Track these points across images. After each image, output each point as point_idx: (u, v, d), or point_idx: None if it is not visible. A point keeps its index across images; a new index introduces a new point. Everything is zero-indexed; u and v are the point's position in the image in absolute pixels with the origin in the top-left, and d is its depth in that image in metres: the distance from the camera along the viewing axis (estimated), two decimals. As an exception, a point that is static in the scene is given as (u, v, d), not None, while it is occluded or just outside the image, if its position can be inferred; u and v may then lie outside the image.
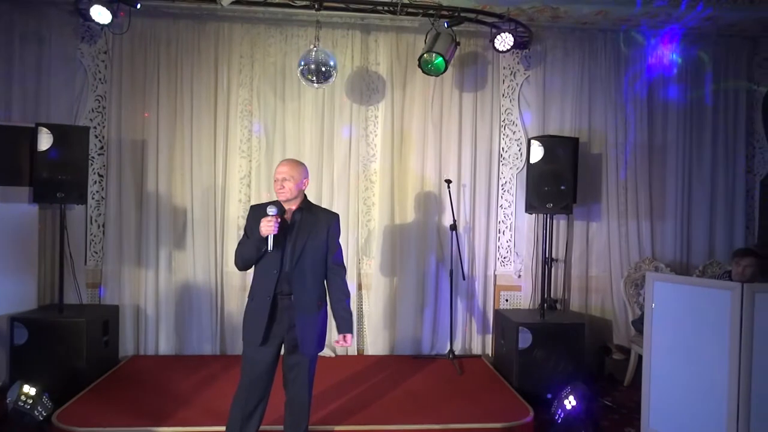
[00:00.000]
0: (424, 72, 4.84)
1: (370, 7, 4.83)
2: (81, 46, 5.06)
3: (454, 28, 4.83)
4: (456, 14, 4.82)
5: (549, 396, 4.15)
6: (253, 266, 3.13)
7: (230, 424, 3.10)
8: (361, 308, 5.35)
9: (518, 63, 5.45)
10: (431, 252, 5.32)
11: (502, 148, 5.46)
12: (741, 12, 4.84)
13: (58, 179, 4.44)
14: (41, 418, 3.49)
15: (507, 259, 5.51)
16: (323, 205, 4.33)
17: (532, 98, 5.45)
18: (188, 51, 5.10)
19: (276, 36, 5.19)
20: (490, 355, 5.37)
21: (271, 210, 2.95)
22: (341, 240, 3.75)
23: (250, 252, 3.05)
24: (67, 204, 4.65)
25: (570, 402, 3.74)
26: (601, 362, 5.37)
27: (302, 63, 4.67)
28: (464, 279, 5.18)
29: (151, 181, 5.06)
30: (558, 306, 5.32)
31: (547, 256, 5.04)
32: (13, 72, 4.87)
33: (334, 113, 5.23)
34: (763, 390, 3.51)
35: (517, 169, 5.46)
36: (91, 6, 4.36)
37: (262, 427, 3.23)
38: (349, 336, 3.20)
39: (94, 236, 5.14)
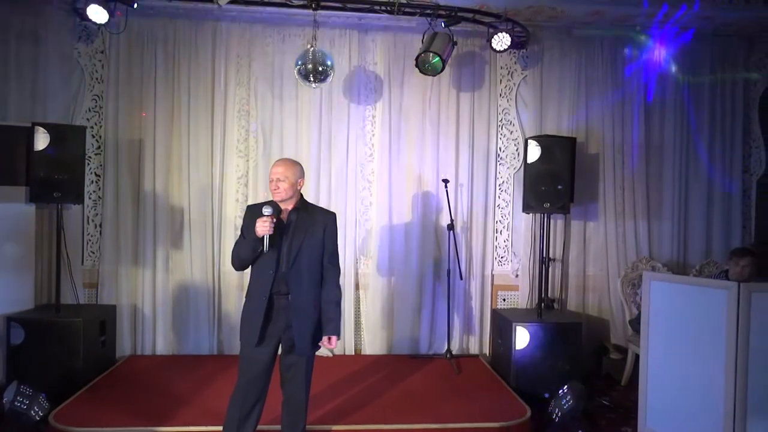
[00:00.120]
0: (421, 72, 4.84)
1: (368, 6, 4.83)
2: (78, 46, 5.05)
3: (452, 27, 4.85)
4: (453, 14, 4.83)
5: (546, 395, 4.17)
6: (250, 266, 3.13)
7: (227, 425, 3.10)
8: (359, 308, 5.35)
9: (515, 63, 5.46)
10: (429, 252, 5.32)
11: (500, 148, 5.47)
12: (737, 11, 4.85)
13: (55, 179, 4.44)
14: (38, 418, 3.48)
15: (504, 259, 5.52)
16: (321, 205, 4.32)
17: (529, 98, 5.45)
18: (185, 50, 5.09)
19: (273, 36, 5.19)
20: (487, 354, 5.37)
21: (267, 210, 2.94)
22: (339, 239, 3.76)
23: (246, 252, 3.04)
24: (64, 204, 4.64)
25: (567, 401, 3.74)
26: (598, 362, 5.37)
27: (299, 62, 4.67)
28: (462, 279, 5.18)
29: (148, 181, 5.05)
30: (555, 305, 5.33)
31: (544, 255, 5.04)
32: (10, 71, 4.86)
33: (331, 113, 5.23)
34: (759, 389, 3.52)
35: (515, 168, 5.47)
36: (88, 5, 4.36)
37: (259, 427, 3.22)
38: (334, 338, 3.16)
39: (91, 236, 5.13)
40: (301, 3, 4.71)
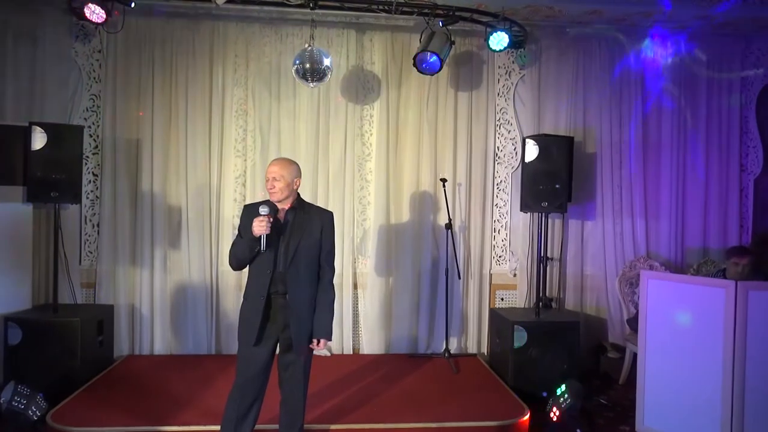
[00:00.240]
0: (419, 71, 4.84)
1: (365, 5, 4.83)
2: (75, 45, 5.04)
3: (449, 27, 4.83)
4: (451, 13, 4.82)
5: (544, 394, 4.17)
6: (248, 266, 3.12)
7: (225, 424, 3.09)
8: (357, 307, 5.34)
9: (513, 62, 5.46)
10: (427, 251, 5.32)
11: (497, 147, 5.47)
12: (734, 10, 4.86)
13: (52, 178, 4.43)
14: (35, 418, 3.47)
15: (502, 258, 5.52)
16: (319, 205, 4.32)
17: (527, 97, 5.46)
18: (183, 50, 5.08)
19: (271, 35, 5.18)
20: (485, 353, 5.38)
21: (263, 210, 2.93)
22: (337, 238, 3.76)
23: (243, 252, 3.04)
24: (62, 203, 4.64)
25: (565, 400, 3.75)
26: (596, 361, 5.38)
27: (297, 62, 4.66)
28: (460, 278, 5.19)
29: (145, 181, 5.05)
30: (553, 305, 5.33)
31: (542, 254, 5.04)
32: (7, 71, 4.85)
33: (329, 112, 5.23)
34: (757, 387, 3.53)
35: (512, 168, 5.47)
36: (85, 5, 4.34)
37: (257, 427, 3.23)
38: (323, 341, 3.14)
39: (89, 236, 5.12)
40: (299, 2, 4.69)
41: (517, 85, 5.47)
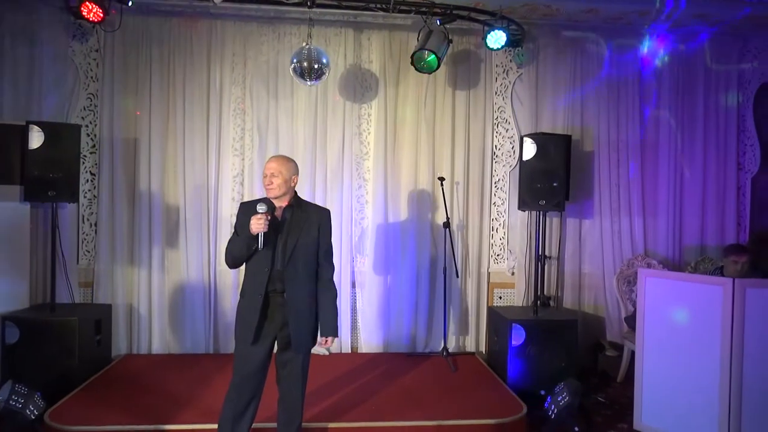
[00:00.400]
0: (416, 70, 4.84)
1: (363, 4, 4.82)
2: (72, 44, 5.04)
3: (447, 25, 4.84)
4: (448, 12, 4.83)
5: (542, 392, 4.17)
6: (244, 264, 3.12)
7: (222, 423, 3.09)
8: (355, 306, 5.34)
9: (511, 61, 5.46)
10: (425, 250, 5.32)
11: (495, 146, 5.47)
12: (731, 9, 4.87)
13: (50, 177, 4.42)
14: (33, 417, 3.47)
15: (500, 257, 5.53)
16: (317, 203, 4.32)
17: (524, 96, 5.46)
18: (180, 49, 5.08)
19: (268, 34, 5.18)
20: (483, 352, 5.38)
21: (261, 207, 2.93)
22: (335, 237, 3.76)
23: (240, 250, 3.03)
24: (59, 202, 4.62)
25: (563, 398, 3.75)
26: (594, 359, 5.39)
27: (295, 60, 4.65)
28: (458, 276, 5.19)
29: (143, 180, 5.04)
30: (551, 303, 5.34)
31: (540, 253, 5.04)
32: (4, 70, 4.84)
33: (327, 111, 5.23)
34: (754, 384, 3.53)
35: (510, 166, 5.47)
36: (83, 3, 4.34)
37: (255, 425, 3.23)
38: (330, 338, 3.17)
39: (86, 235, 5.12)
40: (297, 1, 4.70)
41: (514, 83, 5.48)
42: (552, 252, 5.37)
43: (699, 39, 5.44)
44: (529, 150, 4.89)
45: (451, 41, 4.85)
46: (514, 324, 4.59)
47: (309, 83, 4.77)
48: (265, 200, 3.05)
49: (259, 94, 5.18)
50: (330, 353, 5.16)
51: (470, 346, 5.41)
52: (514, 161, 5.43)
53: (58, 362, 4.26)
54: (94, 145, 5.08)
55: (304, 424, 3.31)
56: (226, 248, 3.14)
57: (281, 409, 3.20)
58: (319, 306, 3.17)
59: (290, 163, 3.13)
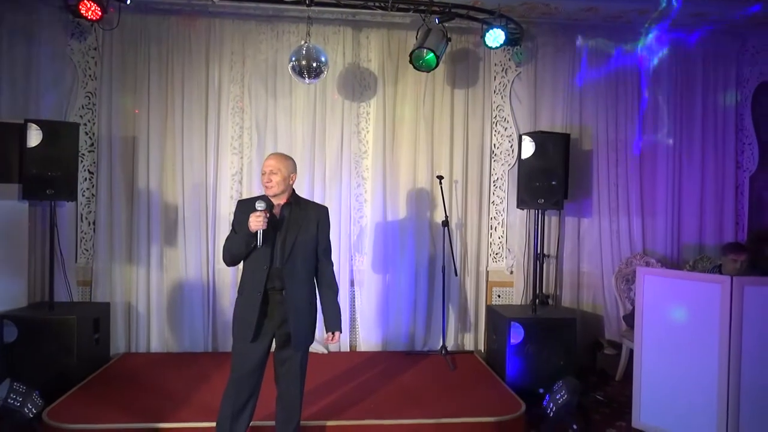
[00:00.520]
0: (415, 68, 4.83)
1: (362, 2, 4.82)
2: (71, 43, 5.03)
3: (446, 24, 4.84)
4: (447, 10, 4.82)
5: (541, 390, 4.17)
6: (242, 262, 3.12)
7: (221, 421, 3.09)
8: (354, 305, 5.34)
9: (509, 59, 5.46)
10: (423, 248, 5.33)
11: (494, 145, 5.47)
12: (730, 8, 4.87)
13: (48, 176, 4.41)
14: (31, 416, 3.46)
15: (499, 256, 5.53)
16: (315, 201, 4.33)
17: (523, 95, 5.46)
18: (179, 47, 5.08)
19: (267, 32, 5.18)
20: (482, 350, 5.38)
21: (260, 205, 2.92)
22: (333, 235, 3.75)
23: (239, 247, 3.03)
24: (57, 201, 4.62)
25: (562, 396, 3.75)
26: (592, 357, 5.39)
27: (293, 58, 4.65)
28: (456, 275, 5.19)
29: (141, 178, 5.04)
30: (550, 301, 5.34)
31: (538, 252, 5.05)
32: (2, 68, 4.83)
33: (325, 110, 5.22)
34: (753, 382, 3.54)
35: (509, 165, 5.47)
36: (81, 1, 4.33)
37: (253, 423, 3.23)
38: (338, 334, 3.19)
39: (85, 233, 5.11)
40: (295, -1, 4.70)
41: (513, 82, 5.48)
42: (551, 251, 5.37)
43: (697, 38, 5.45)
44: (528, 148, 4.90)
45: (449, 40, 4.86)
46: (512, 322, 4.59)
47: (308, 82, 4.76)
48: (263, 198, 3.04)
49: (257, 92, 5.17)
50: (329, 351, 5.16)
51: (469, 345, 5.41)
52: (513, 160, 5.43)
53: (57, 361, 4.26)
54: (92, 144, 5.08)
55: (302, 423, 3.31)
56: (224, 246, 3.14)
57: (279, 407, 3.20)
58: (321, 303, 3.19)
59: (289, 160, 3.13)
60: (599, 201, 5.43)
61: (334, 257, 3.38)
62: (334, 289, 3.24)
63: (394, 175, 5.31)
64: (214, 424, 3.13)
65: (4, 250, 4.48)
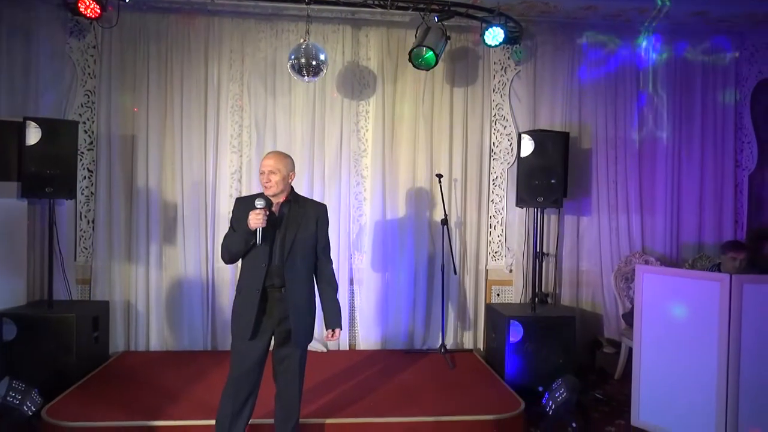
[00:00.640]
0: (414, 66, 4.82)
1: (361, 1, 4.81)
2: (70, 41, 5.03)
3: (445, 22, 4.83)
4: (446, 8, 4.82)
5: (540, 389, 4.17)
6: (240, 260, 3.11)
7: (220, 419, 3.09)
8: (353, 303, 5.34)
9: (509, 58, 5.46)
10: (423, 247, 5.33)
11: (493, 143, 5.47)
12: (729, 6, 4.87)
13: (47, 174, 4.41)
14: (30, 413, 3.46)
15: (498, 254, 5.53)
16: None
17: (522, 93, 5.46)
18: (178, 46, 5.07)
19: (266, 31, 5.17)
20: (481, 349, 5.38)
21: (260, 203, 2.92)
22: (333, 234, 3.75)
23: (237, 245, 3.03)
24: (56, 199, 4.61)
25: (561, 394, 3.75)
26: (591, 356, 5.40)
27: (292, 57, 4.64)
28: (456, 274, 5.19)
29: (141, 177, 5.03)
30: (549, 300, 5.34)
31: (538, 250, 5.05)
32: (1, 66, 4.80)
33: (325, 108, 5.22)
34: (752, 380, 3.54)
35: (508, 164, 5.47)
36: (80, 0, 4.33)
37: (252, 421, 3.23)
38: (338, 330, 3.20)
39: (84, 232, 5.11)
40: (294, -3, 4.70)
41: (512, 80, 5.48)
42: (550, 249, 5.37)
43: (697, 36, 5.45)
44: (527, 147, 4.89)
45: (449, 38, 4.85)
46: (512, 321, 4.60)
47: (307, 80, 4.76)
48: (262, 195, 3.03)
49: (256, 90, 5.17)
50: (328, 350, 5.16)
51: (468, 343, 5.41)
52: (512, 158, 5.43)
53: (56, 359, 4.26)
54: (91, 142, 5.07)
55: (301, 421, 3.31)
56: (222, 244, 3.14)
57: (278, 405, 3.20)
58: (321, 300, 3.19)
59: (287, 159, 3.12)
60: (598, 199, 5.44)
61: (333, 256, 3.38)
62: (334, 287, 3.24)
63: (394, 173, 5.31)
64: (213, 422, 3.13)
65: (3, 248, 4.47)
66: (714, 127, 5.54)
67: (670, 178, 5.49)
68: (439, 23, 4.77)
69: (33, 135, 4.40)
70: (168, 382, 4.25)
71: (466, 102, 5.37)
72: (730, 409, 3.53)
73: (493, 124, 5.47)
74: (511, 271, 5.49)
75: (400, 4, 4.81)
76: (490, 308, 5.19)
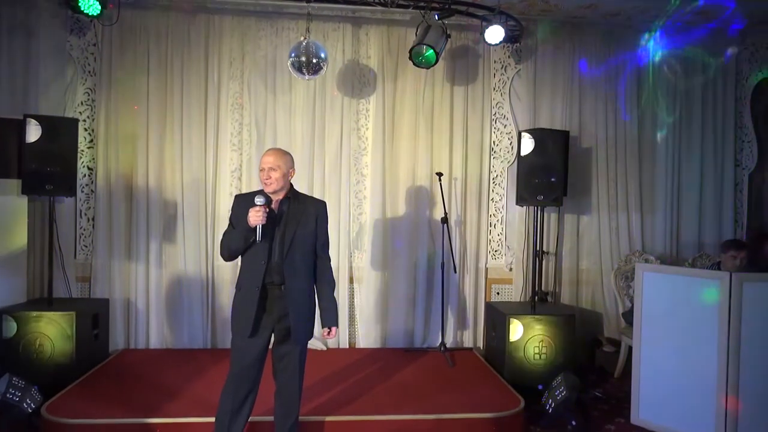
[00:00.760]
0: (415, 64, 4.82)
1: (362, -2, 4.83)
2: (70, 39, 5.03)
3: (445, 21, 4.82)
4: (447, 7, 4.81)
5: (540, 387, 4.18)
6: (240, 257, 3.11)
7: (220, 416, 3.09)
8: (353, 302, 5.34)
9: (509, 57, 5.46)
10: (423, 245, 5.33)
11: (493, 142, 5.48)
12: (730, 5, 4.87)
13: (47, 171, 4.40)
14: (30, 411, 3.47)
15: (498, 253, 5.53)
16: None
17: (522, 92, 5.46)
18: (178, 44, 5.07)
19: (267, 29, 5.17)
20: (481, 347, 5.38)
21: (259, 200, 2.92)
22: (333, 232, 3.74)
23: (237, 242, 3.02)
24: (56, 196, 4.61)
25: (560, 392, 3.75)
26: (591, 355, 5.40)
27: (293, 54, 4.64)
28: (456, 272, 5.19)
29: (141, 175, 5.03)
30: (549, 299, 5.34)
31: (538, 249, 5.05)
32: (1, 64, 4.81)
33: (325, 106, 5.22)
34: (751, 379, 3.54)
35: (508, 162, 5.47)
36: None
37: (252, 418, 3.23)
38: (334, 329, 3.19)
39: (84, 230, 5.11)
40: (295, -5, 4.70)
41: (513, 79, 5.48)
42: (550, 248, 5.37)
43: (697, 35, 5.45)
44: (527, 145, 4.89)
45: (449, 36, 4.84)
46: (511, 319, 4.59)
47: (307, 78, 4.75)
48: (262, 192, 3.03)
49: (257, 88, 5.17)
50: (328, 348, 5.16)
51: (468, 342, 5.41)
52: (512, 157, 5.43)
53: (55, 356, 4.25)
54: (91, 140, 5.07)
55: (301, 418, 3.31)
56: (222, 241, 3.14)
57: (278, 402, 3.20)
58: (318, 298, 3.19)
59: (287, 156, 3.12)
60: (598, 198, 5.44)
61: (333, 254, 3.37)
62: (331, 285, 3.23)
63: (394, 171, 5.31)
64: (213, 420, 3.13)
65: (3, 245, 4.47)
66: (714, 126, 5.54)
67: (670, 177, 5.49)
68: (440, 21, 4.76)
69: (33, 132, 4.39)
70: (168, 380, 4.25)
71: (466, 100, 5.37)
72: (729, 407, 3.53)
73: (494, 122, 5.47)
74: (511, 269, 5.49)
75: (401, 2, 4.81)
76: (489, 307, 5.19)
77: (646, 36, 5.44)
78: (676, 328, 3.77)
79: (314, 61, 4.62)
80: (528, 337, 4.58)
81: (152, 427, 3.53)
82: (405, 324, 5.30)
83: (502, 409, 3.84)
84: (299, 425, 3.26)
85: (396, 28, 5.27)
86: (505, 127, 5.49)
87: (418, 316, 5.31)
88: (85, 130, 5.04)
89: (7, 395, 3.44)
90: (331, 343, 5.19)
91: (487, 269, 5.48)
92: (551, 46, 5.42)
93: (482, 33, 4.90)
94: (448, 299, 5.27)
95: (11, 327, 4.26)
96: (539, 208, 4.97)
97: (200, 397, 3.91)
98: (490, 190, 5.48)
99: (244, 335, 3.02)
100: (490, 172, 5.47)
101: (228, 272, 5.10)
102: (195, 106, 5.09)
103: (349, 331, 5.32)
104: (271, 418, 3.28)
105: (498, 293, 5.51)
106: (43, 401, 3.64)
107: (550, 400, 3.79)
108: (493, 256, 5.52)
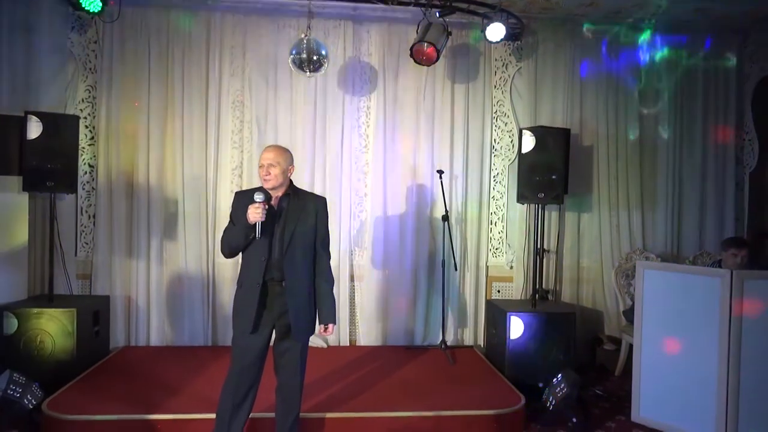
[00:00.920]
0: (416, 62, 4.82)
1: (362, -4, 4.83)
2: (71, 36, 5.03)
3: (446, 18, 4.82)
4: (448, 4, 4.81)
5: (540, 385, 4.17)
6: (241, 254, 3.11)
7: (221, 412, 3.09)
8: (354, 299, 5.34)
9: (510, 54, 5.46)
10: (423, 243, 5.32)
11: (494, 140, 5.47)
12: (731, 4, 4.87)
13: (48, 168, 4.40)
14: (31, 407, 3.47)
15: (499, 250, 5.53)
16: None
17: (523, 90, 5.46)
18: (179, 41, 5.07)
19: (268, 26, 5.17)
20: (482, 345, 5.38)
21: (259, 196, 2.91)
22: (333, 230, 3.73)
23: (237, 239, 3.03)
24: (57, 193, 4.61)
25: (561, 389, 3.75)
26: (592, 353, 5.40)
27: (294, 52, 4.64)
28: (456, 270, 5.19)
29: (141, 172, 5.03)
30: (549, 297, 5.34)
31: (538, 247, 5.05)
32: (2, 61, 4.79)
33: (326, 104, 5.22)
34: (751, 377, 3.54)
35: (509, 160, 5.47)
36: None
37: (253, 415, 3.24)
38: (331, 326, 3.19)
39: (85, 227, 5.11)
40: (296, -8, 4.69)
41: (513, 77, 5.48)
42: (550, 245, 5.37)
43: (698, 33, 5.44)
44: (528, 143, 4.89)
45: (450, 34, 4.84)
46: (512, 316, 4.59)
47: (308, 75, 4.76)
48: (261, 189, 3.03)
49: (258, 86, 5.17)
50: (328, 346, 5.16)
51: (468, 340, 5.41)
52: (513, 155, 5.43)
53: (56, 353, 4.25)
54: (92, 137, 5.07)
55: (301, 415, 3.31)
56: (222, 238, 3.14)
57: (279, 398, 3.20)
58: (317, 294, 3.18)
59: (287, 152, 3.12)
60: (599, 196, 5.44)
61: (334, 252, 3.37)
62: (330, 282, 3.22)
63: (395, 169, 5.30)
64: (214, 416, 3.14)
65: (4, 242, 4.47)
66: (715, 124, 5.53)
67: (671, 175, 5.49)
68: (441, 19, 4.76)
69: (34, 129, 4.39)
70: (168, 377, 4.25)
71: (467, 98, 5.37)
72: (730, 405, 3.53)
73: (494, 120, 5.47)
74: (511, 267, 5.49)
75: (402, -1, 4.81)
76: (490, 304, 5.18)
77: (648, 33, 5.43)
78: (676, 325, 3.77)
79: (315, 58, 4.62)
80: (528, 334, 4.57)
81: (153, 424, 3.53)
82: (406, 322, 5.30)
83: (503, 407, 3.84)
84: (300, 422, 3.26)
85: (397, 26, 5.26)
86: (506, 124, 5.48)
87: (419, 314, 5.31)
88: (86, 127, 5.04)
89: (8, 391, 3.44)
90: (332, 340, 5.19)
91: (487, 267, 5.48)
92: (552, 44, 5.41)
93: (483, 30, 4.89)
94: (449, 297, 5.27)
95: (12, 323, 4.26)
96: (540, 205, 4.97)
97: (201, 393, 3.91)
98: (491, 188, 5.48)
99: (245, 332, 3.02)
100: (491, 169, 5.47)
101: (229, 269, 5.10)
102: (196, 104, 5.09)
103: (350, 329, 5.32)
104: (272, 415, 3.28)
105: (499, 291, 5.52)
106: (44, 397, 3.63)
107: (551, 398, 3.79)
108: (494, 254, 5.52)
